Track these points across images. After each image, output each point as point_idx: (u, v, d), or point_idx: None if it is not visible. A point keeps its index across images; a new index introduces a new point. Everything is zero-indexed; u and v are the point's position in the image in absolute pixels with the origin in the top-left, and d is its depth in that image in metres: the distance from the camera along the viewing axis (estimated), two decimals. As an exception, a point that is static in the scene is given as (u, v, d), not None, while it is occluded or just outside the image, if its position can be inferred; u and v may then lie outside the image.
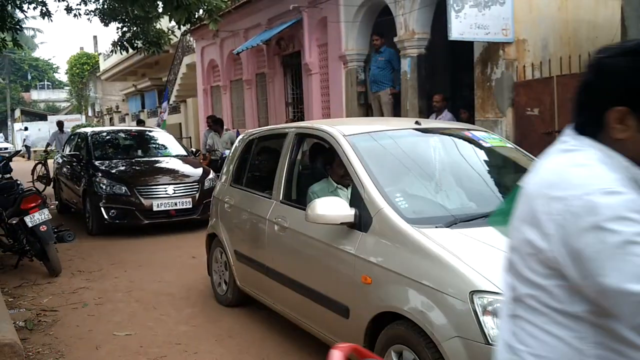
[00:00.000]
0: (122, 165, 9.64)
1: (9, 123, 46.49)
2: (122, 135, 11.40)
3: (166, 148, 10.64)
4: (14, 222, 6.65)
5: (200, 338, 4.62)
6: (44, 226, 6.48)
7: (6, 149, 15.25)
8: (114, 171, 9.28)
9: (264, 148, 5.42)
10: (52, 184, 12.72)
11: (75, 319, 5.19)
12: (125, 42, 12.73)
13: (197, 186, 9.01)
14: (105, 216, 8.62)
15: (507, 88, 7.71)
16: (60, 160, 11.40)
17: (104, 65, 34.66)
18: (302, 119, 13.11)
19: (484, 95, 8.01)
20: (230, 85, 16.63)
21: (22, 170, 14.64)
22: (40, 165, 15.00)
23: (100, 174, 9.02)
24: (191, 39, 19.67)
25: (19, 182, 8.12)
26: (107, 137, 10.95)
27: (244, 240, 4.86)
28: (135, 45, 12.80)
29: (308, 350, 4.30)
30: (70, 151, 10.93)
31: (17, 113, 50.03)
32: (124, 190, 8.65)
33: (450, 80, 11.10)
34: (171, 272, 6.68)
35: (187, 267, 6.93)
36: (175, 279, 6.37)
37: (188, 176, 9.28)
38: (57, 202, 11.39)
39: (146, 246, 8.03)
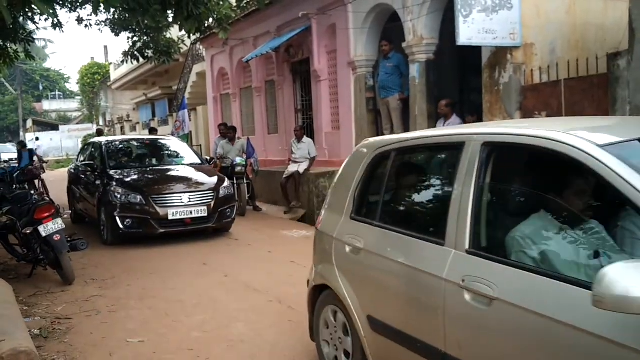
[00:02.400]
0: (137, 174, 9.57)
1: (21, 133, 46.90)
2: (136, 144, 11.33)
3: (180, 156, 10.54)
4: (28, 231, 6.72)
5: (212, 344, 4.66)
6: (57, 235, 6.57)
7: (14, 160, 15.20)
8: (128, 180, 9.19)
9: (414, 166, 3.78)
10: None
11: (89, 326, 5.25)
12: (136, 52, 12.84)
13: (212, 194, 8.95)
14: (121, 226, 8.56)
15: (515, 92, 7.72)
16: (74, 170, 11.31)
17: (114, 74, 34.95)
18: (311, 125, 13.17)
19: (492, 99, 8.02)
20: (240, 93, 16.72)
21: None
22: None
23: (114, 183, 8.97)
24: (201, 47, 19.81)
25: (32, 192, 8.24)
26: (121, 146, 10.85)
27: (389, 304, 3.25)
28: (146, 54, 12.92)
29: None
30: (84, 161, 10.86)
31: (29, 123, 50.47)
32: (139, 199, 8.60)
33: (459, 85, 11.12)
34: (183, 279, 6.74)
35: (199, 273, 6.99)
36: (186, 286, 6.43)
37: (203, 184, 9.20)
38: (70, 211, 11.29)
39: (157, 254, 8.10)
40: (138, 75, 29.23)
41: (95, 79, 42.48)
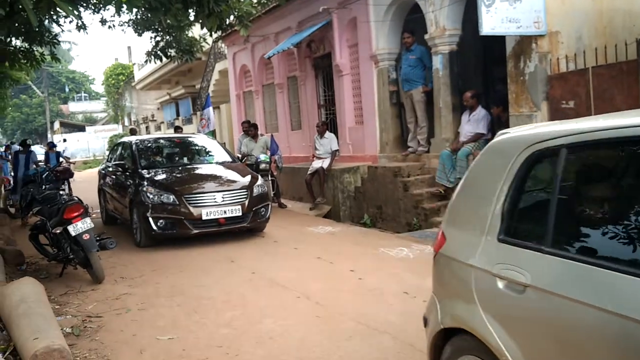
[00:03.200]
0: (169, 173, 9.26)
1: (49, 135, 47.69)
2: (167, 142, 11.07)
3: (211, 154, 10.27)
4: (58, 231, 6.83)
5: (241, 340, 4.68)
6: (86, 235, 6.65)
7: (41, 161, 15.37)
8: (160, 179, 8.91)
9: (611, 168, 2.52)
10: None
11: (119, 324, 5.31)
12: (158, 51, 12.95)
13: (246, 193, 8.66)
14: (154, 227, 8.30)
15: (541, 81, 7.61)
16: (104, 171, 11.08)
17: (138, 74, 35.28)
18: (334, 121, 13.15)
19: (518, 89, 7.91)
20: (263, 90, 16.76)
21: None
22: None
23: (146, 183, 8.68)
24: (223, 45, 19.90)
25: (60, 192, 8.36)
26: (152, 145, 10.56)
27: None
28: (169, 54, 13.02)
29: (349, 348, 4.33)
30: (114, 161, 10.61)
31: (57, 125, 51.30)
32: (172, 200, 8.34)
33: (483, 76, 11.00)
34: (211, 276, 6.78)
35: (227, 270, 7.03)
36: (215, 283, 6.46)
37: (236, 183, 8.91)
38: (101, 212, 11.20)
39: (185, 252, 8.16)
40: (161, 74, 29.46)
41: (119, 79, 42.97)
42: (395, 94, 10.98)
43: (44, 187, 9.03)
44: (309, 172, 11.55)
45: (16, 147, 16.26)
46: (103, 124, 51.57)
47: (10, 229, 10.10)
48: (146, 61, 14.02)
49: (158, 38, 12.90)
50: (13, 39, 10.59)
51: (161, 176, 9.10)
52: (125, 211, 9.26)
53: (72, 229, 6.62)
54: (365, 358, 4.18)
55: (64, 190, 13.13)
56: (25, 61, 11.30)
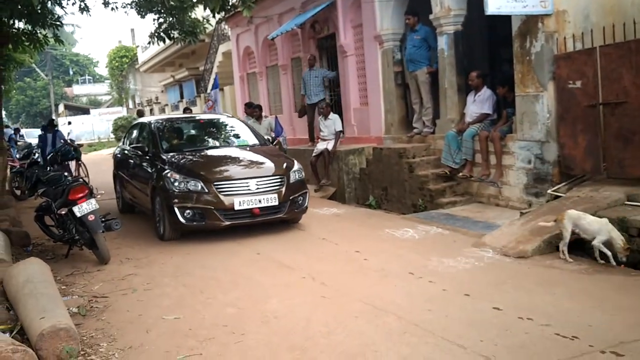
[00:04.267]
0: (195, 158, 8.28)
1: (54, 118, 47.67)
2: (190, 123, 10.05)
3: (240, 136, 9.35)
4: (63, 212, 6.85)
5: (247, 320, 4.70)
6: (92, 216, 6.67)
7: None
8: (186, 165, 7.96)
9: None
10: None
11: (125, 304, 5.34)
12: (162, 33, 12.85)
13: (283, 180, 7.82)
14: (180, 218, 7.44)
15: (548, 61, 7.53)
16: (120, 155, 10.21)
17: (142, 57, 35.17)
18: (339, 102, 13.09)
19: (524, 69, 7.84)
20: (266, 71, 16.68)
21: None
22: None
23: (170, 169, 7.79)
24: (226, 27, 19.79)
25: (65, 173, 8.36)
26: (174, 127, 9.51)
27: None
28: (172, 35, 12.91)
29: (354, 328, 4.34)
30: (130, 144, 9.80)
31: (61, 108, 51.28)
32: (200, 187, 7.48)
33: (489, 56, 10.90)
34: (216, 257, 6.80)
35: (232, 252, 7.04)
36: (220, 264, 6.48)
37: (271, 168, 8.01)
38: (118, 200, 10.43)
39: (191, 234, 8.16)
40: (165, 57, 29.37)
41: (123, 62, 42.83)
42: (400, 75, 10.90)
43: (48, 168, 9.04)
44: (313, 154, 11.52)
45: (20, 130, 16.71)
46: (107, 107, 51.52)
47: (16, 210, 10.12)
48: (149, 43, 13.87)
49: (161, 20, 12.78)
50: (16, 21, 10.53)
51: (186, 161, 8.15)
52: (146, 200, 8.40)
53: (77, 210, 6.64)
54: (371, 338, 4.19)
55: (77, 172, 13.27)
56: (28, 43, 11.25)
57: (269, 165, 8.11)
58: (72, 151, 13.60)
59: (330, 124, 11.57)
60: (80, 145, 14.74)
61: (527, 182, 7.93)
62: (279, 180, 7.81)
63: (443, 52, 9.47)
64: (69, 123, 39.82)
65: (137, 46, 38.67)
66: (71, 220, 6.83)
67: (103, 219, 6.92)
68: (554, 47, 7.53)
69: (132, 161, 9.31)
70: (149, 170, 8.35)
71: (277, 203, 7.64)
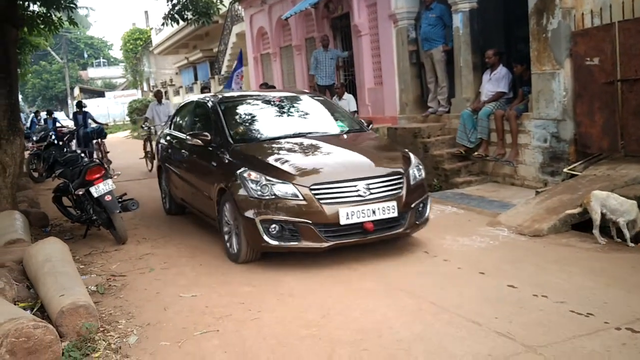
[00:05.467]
0: (279, 150, 6.09)
1: (69, 101, 48.01)
2: (264, 103, 7.36)
3: (330, 120, 7.14)
4: (81, 193, 6.93)
5: (263, 297, 4.74)
6: (108, 196, 6.75)
7: (66, 126, 16.42)
8: (269, 160, 5.78)
9: None
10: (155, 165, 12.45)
11: (142, 283, 5.41)
12: (175, 15, 12.84)
13: (401, 180, 5.68)
14: (264, 235, 5.38)
15: (565, 38, 7.42)
16: (168, 142, 8.20)
17: (156, 39, 35.23)
18: (353, 82, 13.03)
19: (540, 47, 7.74)
20: (280, 52, 16.63)
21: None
22: (147, 142, 14.01)
23: (247, 165, 5.71)
24: (239, 7, 19.72)
25: (81, 154, 8.44)
26: (244, 108, 7.19)
27: None
28: (186, 17, 12.90)
29: (369, 305, 4.37)
30: (179, 129, 7.95)
31: (76, 91, 51.60)
32: (291, 192, 5.36)
33: (505, 34, 10.77)
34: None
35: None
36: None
37: (384, 165, 5.85)
38: (163, 199, 8.67)
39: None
40: (179, 39, 29.39)
41: (137, 44, 42.92)
42: (415, 54, 10.82)
43: (65, 150, 9.11)
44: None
45: (43, 115, 17.89)
46: (122, 90, 51.76)
47: (34, 192, 10.25)
48: (163, 25, 13.91)
49: (175, 1, 12.79)
50: (31, 3, 10.57)
51: (268, 154, 5.98)
52: (209, 205, 6.42)
53: (94, 191, 6.72)
54: (385, 315, 4.22)
55: (101, 152, 13.92)
56: (43, 26, 11.30)
57: (381, 159, 5.96)
58: (102, 130, 14.70)
59: (345, 104, 11.53)
60: (107, 126, 15.69)
61: (543, 161, 7.87)
62: (397, 180, 5.68)
63: (458, 30, 9.38)
64: (85, 106, 40.11)
65: (151, 28, 38.74)
66: (88, 201, 6.92)
67: (120, 200, 6.99)
68: (571, 24, 7.42)
69: (185, 152, 7.31)
70: (213, 165, 6.29)
71: (396, 214, 5.51)
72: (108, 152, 14.47)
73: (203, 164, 6.63)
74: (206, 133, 6.56)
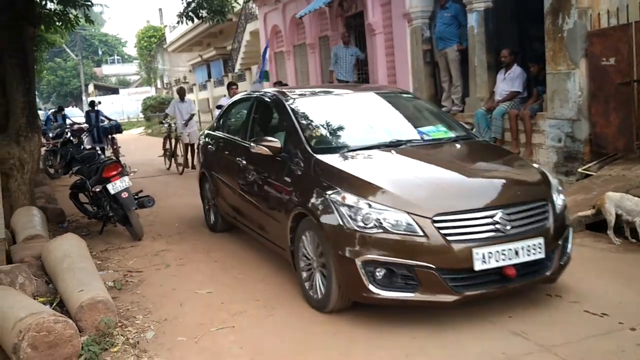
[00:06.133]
0: (378, 165, 4.70)
1: (84, 98, 48.40)
2: (344, 102, 5.88)
3: (431, 124, 5.53)
4: (98, 189, 7.02)
5: (278, 295, 4.79)
6: (125, 193, 6.83)
7: (78, 123, 16.67)
8: (369, 178, 4.33)
9: None
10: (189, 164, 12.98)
11: (159, 279, 5.48)
12: (190, 12, 12.92)
13: (546, 208, 4.29)
14: (367, 282, 3.98)
15: (580, 38, 7.40)
16: (216, 146, 6.90)
17: (170, 37, 35.38)
18: (367, 81, 13.05)
19: (556, 47, 7.71)
20: (294, 50, 16.67)
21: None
22: (167, 139, 13.90)
23: (339, 184, 4.30)
24: (254, 5, 19.76)
25: (98, 152, 8.54)
26: (319, 107, 5.66)
27: None
28: (200, 14, 12.98)
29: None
30: (232, 131, 6.74)
31: (91, 88, 52.01)
32: (405, 224, 3.94)
33: (520, 34, 10.74)
34: (246, 235, 6.87)
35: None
36: (247, 242, 6.56)
37: (522, 186, 4.44)
38: (206, 211, 7.33)
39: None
40: (193, 36, 29.50)
41: (151, 42, 43.16)
42: (429, 53, 10.81)
43: (82, 147, 9.21)
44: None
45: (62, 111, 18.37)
46: (136, 87, 52.07)
47: (50, 188, 10.37)
48: (178, 22, 13.97)
49: (190, -1, 12.87)
50: (47, 1, 10.69)
51: (365, 169, 4.55)
52: (277, 230, 5.02)
53: (111, 187, 6.80)
54: (392, 310, 4.25)
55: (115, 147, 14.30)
56: (60, 24, 11.42)
57: (517, 180, 4.52)
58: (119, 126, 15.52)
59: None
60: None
61: (557, 161, 7.85)
62: (543, 209, 4.27)
63: (473, 29, 9.36)
64: (99, 103, 40.33)
65: (165, 26, 38.91)
66: (105, 198, 7.01)
67: (136, 197, 7.07)
68: (587, 24, 7.39)
69: (241, 160, 5.83)
70: (286, 181, 4.86)
71: (543, 254, 4.09)
72: (119, 147, 14.91)
73: (269, 178, 5.17)
74: (275, 139, 5.09)
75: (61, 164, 9.72)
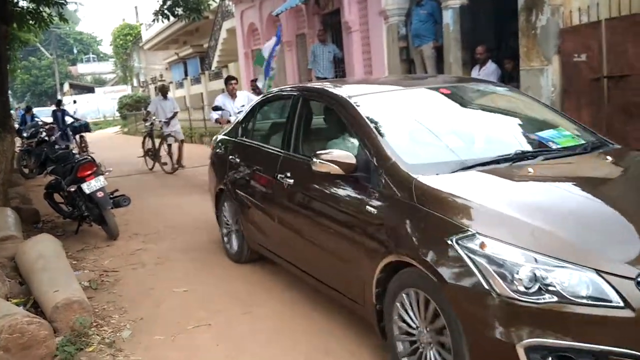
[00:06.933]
0: (517, 190, 3.21)
1: (59, 97, 47.81)
2: (428, 99, 4.36)
3: (554, 125, 4.04)
4: (73, 189, 6.94)
5: (256, 292, 4.79)
6: (100, 192, 6.76)
7: (51, 123, 16.73)
8: (520, 215, 2.78)
9: None
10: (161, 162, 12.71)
11: (135, 278, 5.45)
12: (166, 10, 12.86)
13: None
14: None
15: (553, 35, 7.51)
16: (240, 158, 5.36)
17: (146, 35, 35.10)
18: (343, 77, 13.08)
19: (529, 43, 7.81)
20: (271, 48, 16.62)
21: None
22: (147, 138, 13.33)
23: (478, 227, 2.75)
24: (230, 3, 19.71)
25: (73, 151, 8.45)
26: (396, 108, 4.14)
27: None
28: (176, 12, 12.93)
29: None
30: (263, 138, 5.32)
31: (66, 87, 51.36)
32: (593, 289, 2.48)
33: (495, 31, 10.84)
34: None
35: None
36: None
37: None
38: (225, 237, 5.82)
39: (200, 208, 8.22)
40: (169, 34, 29.30)
41: (127, 40, 42.77)
42: (405, 50, 10.87)
43: (56, 146, 9.10)
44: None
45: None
46: (112, 85, 51.55)
47: (25, 188, 10.24)
48: (153, 20, 13.92)
49: (165, -3, 12.81)
50: (20, -1, 10.57)
51: (504, 197, 3.06)
52: (345, 275, 3.70)
53: (86, 187, 6.73)
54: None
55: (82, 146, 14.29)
56: (33, 22, 11.28)
57: None
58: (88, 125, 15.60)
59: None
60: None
61: (532, 157, 7.94)
62: None
63: (448, 26, 9.44)
64: (74, 102, 39.77)
65: (141, 24, 38.59)
66: (80, 197, 6.94)
67: (111, 196, 7.02)
68: (559, 21, 7.50)
69: (286, 178, 4.34)
70: (370, 212, 3.37)
71: None
72: (85, 145, 14.97)
73: (338, 205, 3.71)
74: (347, 153, 3.60)
75: (36, 164, 9.60)
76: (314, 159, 3.67)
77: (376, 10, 11.17)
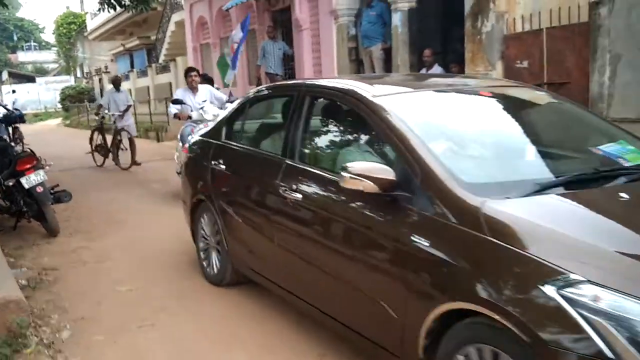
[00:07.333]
0: (617, 220, 2.46)
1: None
2: (471, 105, 3.58)
3: (613, 138, 3.31)
4: (10, 183, 6.70)
5: (202, 290, 4.75)
6: (40, 187, 6.55)
7: None
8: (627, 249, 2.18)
9: None
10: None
11: (76, 276, 5.32)
12: (112, 0, 12.54)
13: None
14: None
15: (497, 41, 7.73)
16: (227, 164, 4.53)
17: (91, 24, 34.15)
18: (293, 76, 13.08)
19: (475, 48, 8.02)
20: (220, 43, 16.48)
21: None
22: (96, 133, 12.74)
23: (585, 272, 2.07)
24: (179, -5, 19.39)
25: (12, 143, 8.15)
26: (441, 115, 3.38)
27: None
28: (123, 2, 12.62)
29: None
30: (256, 143, 4.55)
31: (5, 75, 49.38)
32: None
33: (442, 35, 11.07)
34: (170, 230, 6.76)
35: (185, 225, 7.03)
36: (173, 237, 6.46)
37: None
38: (203, 248, 5.03)
39: (143, 206, 8.11)
40: (115, 25, 28.60)
41: (71, 29, 41.48)
42: (355, 51, 10.97)
43: None
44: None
45: None
46: (54, 75, 49.91)
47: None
48: (99, 10, 13.52)
49: (112, -14, 12.48)
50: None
51: (604, 230, 2.38)
52: (378, 319, 2.88)
53: (25, 181, 6.51)
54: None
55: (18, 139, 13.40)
56: (-30, 6, 10.83)
57: None
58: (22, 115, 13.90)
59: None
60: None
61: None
62: None
63: (397, 29, 9.57)
64: (14, 92, 38.41)
65: (86, 13, 37.48)
66: (19, 192, 6.70)
67: (52, 191, 6.82)
68: (504, 27, 7.73)
69: (291, 191, 3.58)
70: (416, 245, 2.63)
71: None
72: (18, 137, 13.51)
73: (367, 233, 2.99)
74: (385, 168, 2.85)
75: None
76: (343, 173, 2.88)
77: (327, 10, 11.22)
